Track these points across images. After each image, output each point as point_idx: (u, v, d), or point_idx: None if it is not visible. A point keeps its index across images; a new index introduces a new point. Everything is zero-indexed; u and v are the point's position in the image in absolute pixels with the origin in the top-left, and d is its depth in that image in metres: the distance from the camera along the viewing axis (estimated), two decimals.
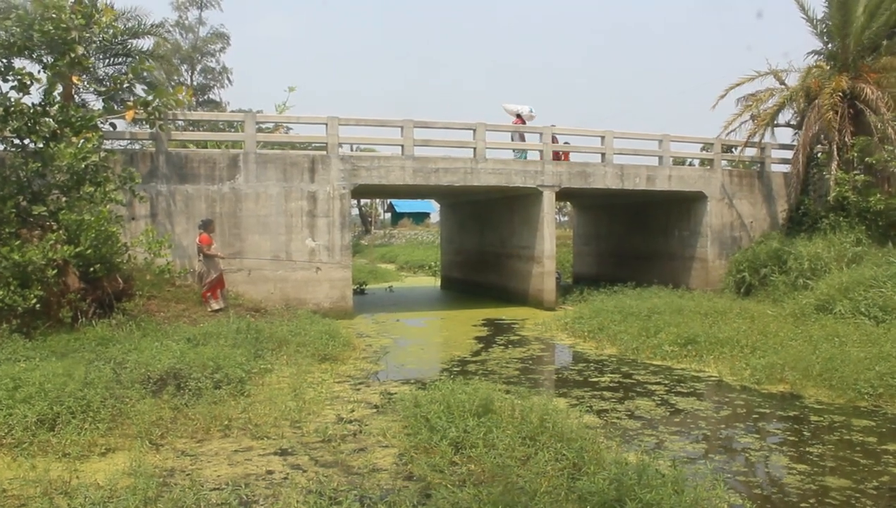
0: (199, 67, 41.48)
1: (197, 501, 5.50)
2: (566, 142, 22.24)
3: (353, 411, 8.93)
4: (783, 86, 22.17)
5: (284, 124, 23.31)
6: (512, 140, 21.63)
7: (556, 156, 21.66)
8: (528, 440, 6.92)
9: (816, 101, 20.72)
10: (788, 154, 23.21)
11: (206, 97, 40.98)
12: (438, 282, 30.82)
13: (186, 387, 8.84)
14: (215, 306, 15.00)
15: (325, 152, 18.20)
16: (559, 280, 23.03)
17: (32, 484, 5.95)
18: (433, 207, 59.13)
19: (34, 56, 14.12)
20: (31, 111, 13.13)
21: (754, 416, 8.94)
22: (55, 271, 11.82)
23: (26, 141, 13.16)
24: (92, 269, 12.55)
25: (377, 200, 72.10)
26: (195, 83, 40.36)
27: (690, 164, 26.89)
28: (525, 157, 21.33)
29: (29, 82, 13.29)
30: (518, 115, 22.63)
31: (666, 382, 10.77)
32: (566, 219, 58.94)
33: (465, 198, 25.86)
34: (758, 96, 22.13)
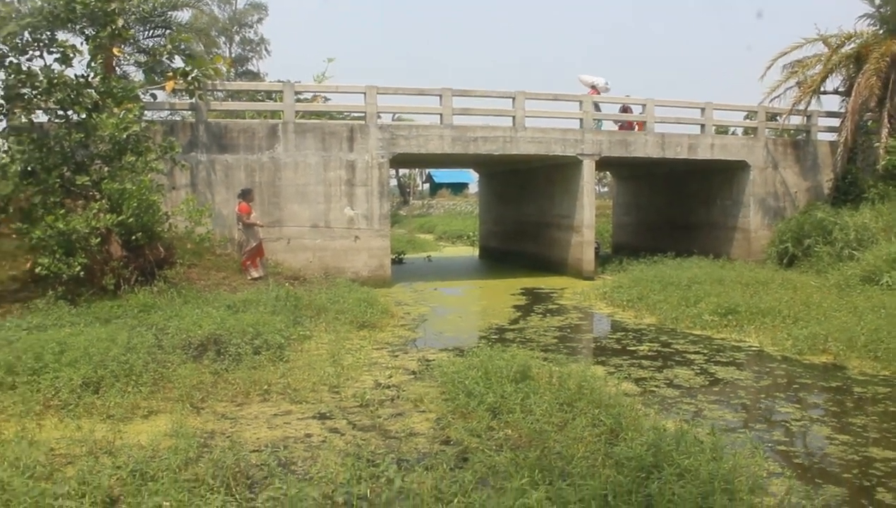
0: (237, 39, 41.60)
1: (237, 461, 5.56)
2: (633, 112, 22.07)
3: (390, 377, 8.98)
4: (831, 52, 21.59)
5: (323, 94, 23.29)
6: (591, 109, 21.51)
7: (630, 127, 21.57)
8: (566, 406, 6.91)
9: (866, 67, 20.17)
10: (835, 122, 22.69)
11: (244, 68, 41.12)
12: (477, 252, 30.78)
13: (226, 353, 8.96)
14: (255, 274, 15.15)
15: (363, 122, 18.18)
16: (598, 250, 22.87)
17: (78, 444, 6.08)
18: (472, 177, 58.91)
19: (76, 28, 14.24)
20: (74, 83, 13.28)
21: (795, 386, 8.81)
22: (98, 239, 12.03)
23: (69, 112, 13.31)
24: (134, 238, 12.73)
25: (416, 171, 72.08)
26: (233, 54, 40.49)
27: (733, 133, 26.46)
28: (601, 127, 21.25)
29: (71, 54, 13.44)
30: (593, 86, 22.54)
31: (705, 352, 10.66)
32: (606, 190, 58.41)
33: (503, 168, 25.72)
34: (804, 62, 21.61)
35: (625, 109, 21.82)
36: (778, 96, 21.88)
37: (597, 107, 21.54)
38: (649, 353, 10.60)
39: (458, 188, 67.96)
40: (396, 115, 27.62)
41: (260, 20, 41.66)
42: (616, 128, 21.71)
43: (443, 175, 67.35)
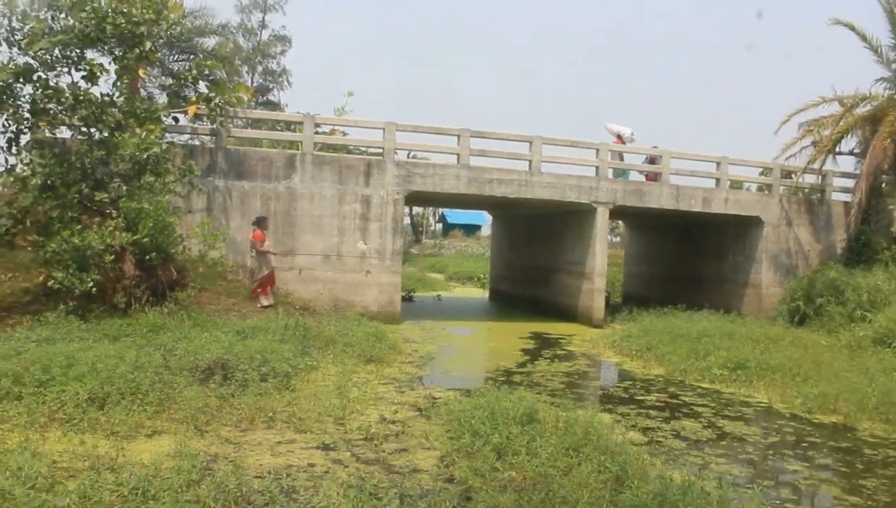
0: (259, 69, 42.06)
1: (239, 486, 5.53)
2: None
3: (396, 412, 8.93)
4: (847, 114, 21.66)
5: (341, 128, 23.50)
6: (611, 159, 21.63)
7: (652, 178, 21.70)
8: (572, 451, 6.84)
9: (881, 129, 20.23)
10: (849, 182, 22.69)
11: (265, 98, 41.51)
12: (486, 294, 30.75)
13: (233, 378, 8.95)
14: (265, 302, 15.14)
15: (380, 157, 18.30)
16: (608, 299, 22.80)
17: (81, 458, 6.07)
18: (485, 220, 59.02)
19: (105, 48, 14.44)
20: (99, 101, 13.44)
21: (804, 445, 8.71)
22: (112, 257, 12.07)
23: (92, 129, 13.44)
24: (148, 257, 12.77)
25: (429, 210, 72.31)
26: (255, 84, 40.91)
27: (747, 189, 26.49)
28: (628, 178, 21.43)
29: (98, 73, 13.62)
30: (619, 136, 22.66)
31: (713, 405, 10.56)
32: (617, 239, 58.46)
33: (517, 211, 25.78)
34: (820, 121, 21.67)
35: (651, 161, 21.88)
36: (794, 155, 21.91)
37: (621, 157, 21.65)
38: (657, 404, 10.52)
39: (471, 230, 68.13)
40: (412, 154, 27.83)
41: (283, 52, 42.15)
42: (643, 178, 21.78)
43: (456, 216, 67.58)
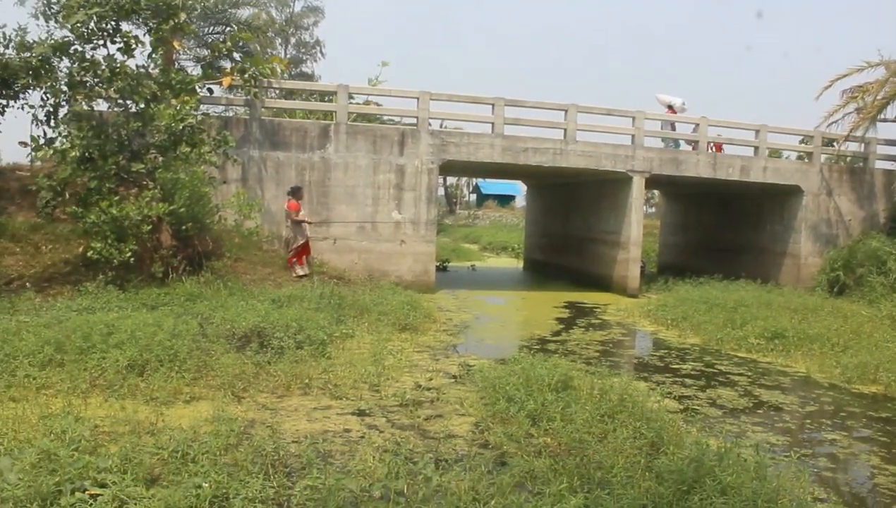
0: (292, 41, 42.03)
1: (276, 450, 5.60)
2: (717, 134, 21.99)
3: (431, 379, 8.96)
4: (894, 78, 21.10)
5: (375, 98, 23.45)
6: (662, 129, 21.67)
7: (696, 148, 21.53)
8: (607, 417, 6.82)
9: None
10: (894, 150, 22.22)
11: (298, 70, 41.53)
12: (521, 264, 30.69)
13: (269, 345, 9.03)
14: (300, 272, 15.25)
15: (414, 126, 18.26)
16: (644, 268, 22.64)
17: (122, 423, 6.19)
18: (519, 190, 58.83)
19: (140, 20, 14.51)
20: (135, 73, 13.53)
21: (843, 414, 8.60)
22: (149, 227, 12.23)
23: (128, 101, 13.54)
24: (184, 227, 12.91)
25: (462, 181, 72.18)
26: (288, 56, 40.92)
27: (787, 157, 26.06)
28: (679, 147, 21.34)
29: (134, 45, 13.69)
30: (670, 106, 22.46)
31: (750, 374, 10.47)
32: (653, 210, 57.93)
33: (552, 181, 25.62)
34: (865, 87, 21.14)
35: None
36: (836, 122, 21.43)
37: (672, 126, 21.43)
38: (692, 372, 10.45)
39: (505, 200, 67.91)
40: (444, 124, 27.71)
41: (316, 23, 42.07)
42: (690, 148, 21.56)
43: (490, 186, 67.35)
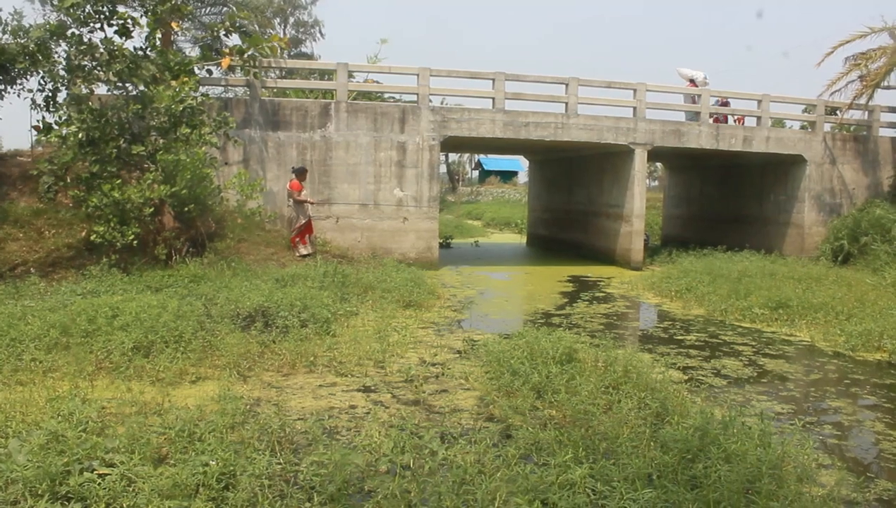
0: (291, 21, 41.87)
1: (282, 427, 5.63)
2: (726, 103, 21.94)
3: (436, 355, 8.99)
4: None
5: (375, 75, 23.36)
6: (684, 102, 21.68)
7: (725, 120, 21.68)
8: (611, 389, 6.84)
9: None
10: None
11: (297, 50, 41.40)
12: (524, 240, 30.69)
13: (274, 324, 9.07)
14: (303, 251, 15.28)
15: (415, 103, 18.19)
16: (647, 241, 22.61)
17: (129, 404, 6.22)
18: (521, 166, 58.73)
19: (137, 2, 14.45)
20: (133, 55, 13.48)
21: (847, 382, 8.61)
22: (152, 210, 12.25)
23: (127, 84, 13.51)
24: (186, 209, 12.92)
25: (465, 157, 72.02)
26: (287, 36, 40.77)
27: (790, 127, 25.95)
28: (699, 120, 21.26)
29: (131, 27, 13.64)
30: (692, 80, 22.33)
31: (754, 344, 10.48)
32: (655, 183, 57.84)
33: (554, 155, 25.55)
34: (868, 55, 20.97)
35: (724, 104, 21.58)
36: (839, 90, 21.28)
37: (694, 100, 21.37)
38: (696, 343, 10.46)
39: (508, 176, 67.79)
40: (444, 100, 27.60)
41: (314, 2, 41.90)
42: (711, 121, 21.51)
43: (492, 162, 67.23)
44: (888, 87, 21.71)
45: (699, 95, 21.01)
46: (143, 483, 4.44)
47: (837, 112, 21.87)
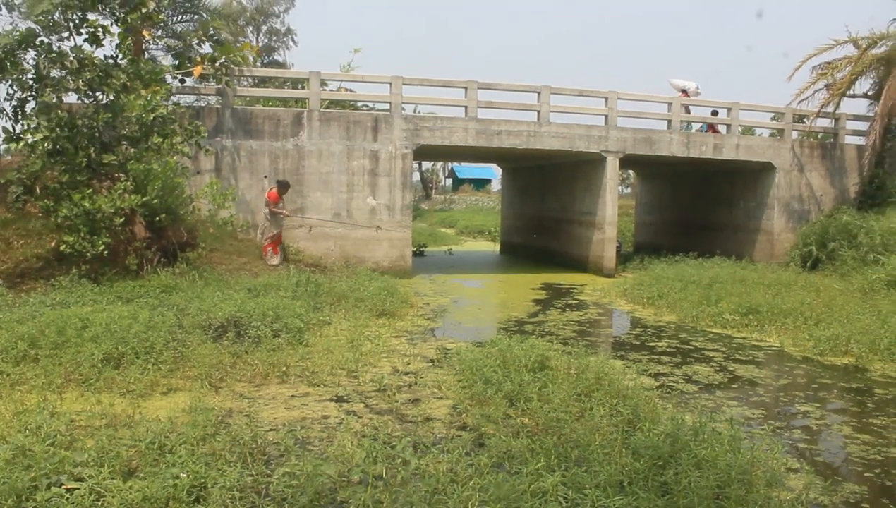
0: (263, 29, 41.78)
1: (254, 438, 5.60)
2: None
3: (409, 364, 9.00)
4: (862, 55, 21.33)
5: (348, 84, 23.34)
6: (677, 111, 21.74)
7: (713, 129, 21.95)
8: (584, 396, 6.89)
9: None
10: (863, 125, 22.43)
11: (270, 58, 41.29)
12: (498, 247, 30.76)
13: (246, 335, 9.01)
14: (275, 261, 15.19)
15: (388, 112, 18.20)
16: (620, 248, 22.78)
17: (98, 417, 6.16)
18: (494, 173, 58.95)
19: (107, 9, 14.34)
20: (103, 64, 13.37)
21: (815, 386, 8.73)
22: (122, 219, 12.13)
23: (98, 93, 13.40)
24: (157, 219, 12.82)
25: (438, 165, 72.11)
26: (260, 45, 40.67)
27: (760, 134, 26.27)
28: (691, 130, 21.69)
29: (102, 35, 13.53)
30: (683, 91, 22.58)
31: (725, 350, 10.59)
32: (628, 190, 58.24)
33: (527, 163, 25.66)
34: (833, 64, 21.35)
35: (715, 113, 21.91)
36: (806, 98, 21.62)
37: (686, 110, 21.68)
38: (668, 349, 10.55)
39: (481, 184, 68.01)
40: (418, 109, 27.66)
41: (287, 11, 41.84)
42: (705, 130, 21.87)
43: (465, 170, 67.41)
44: (853, 96, 22.11)
45: (687, 107, 21.38)
46: (113, 497, 4.40)
47: (805, 120, 22.18)
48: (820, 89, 21.50)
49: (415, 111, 23.41)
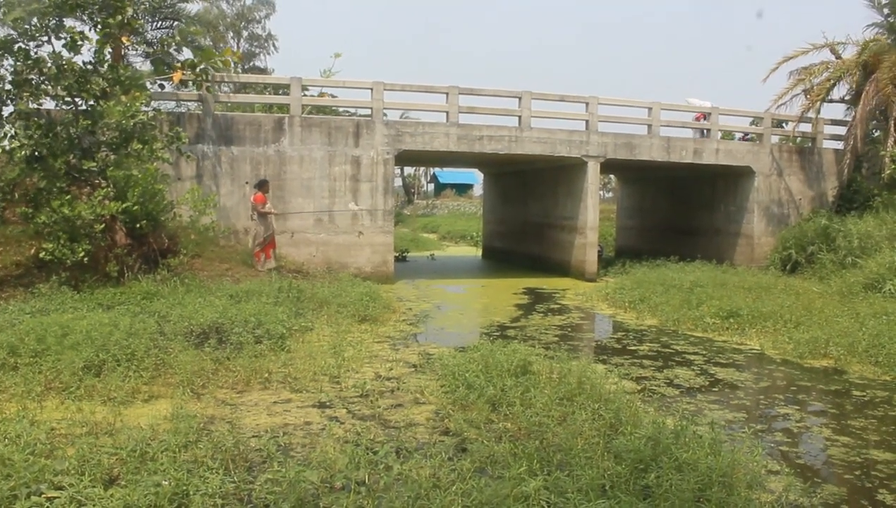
0: (244, 34, 41.67)
1: (236, 445, 5.58)
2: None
3: (391, 369, 8.99)
4: (839, 60, 21.57)
5: (329, 89, 23.32)
6: (692, 135, 22.26)
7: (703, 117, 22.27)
8: (566, 400, 6.91)
9: (875, 76, 20.14)
10: (841, 130, 22.67)
11: (251, 64, 41.17)
12: (480, 252, 30.79)
13: (228, 341, 8.98)
14: (269, 266, 15.11)
15: (369, 117, 18.20)
16: (601, 253, 22.88)
17: (79, 425, 6.12)
18: (476, 179, 58.94)
19: (86, 15, 14.25)
20: (82, 70, 13.27)
21: (795, 389, 8.81)
22: (103, 226, 12.05)
23: (77, 99, 13.31)
24: (138, 225, 12.74)
25: (420, 171, 72.14)
26: (241, 50, 40.54)
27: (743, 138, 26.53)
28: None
29: (80, 41, 13.41)
30: (702, 114, 22.71)
31: (706, 353, 10.66)
32: (609, 194, 58.50)
33: (509, 168, 25.73)
34: (811, 69, 21.57)
35: (703, 118, 22.16)
36: (784, 103, 21.84)
37: (702, 133, 22.17)
38: (650, 353, 10.60)
39: (463, 189, 67.99)
40: (403, 114, 27.67)
41: (267, 16, 41.76)
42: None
43: (447, 175, 67.40)
44: (831, 101, 22.34)
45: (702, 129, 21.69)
46: (94, 505, 4.37)
47: (784, 124, 22.38)
48: (798, 94, 21.73)
49: (402, 116, 23.41)
